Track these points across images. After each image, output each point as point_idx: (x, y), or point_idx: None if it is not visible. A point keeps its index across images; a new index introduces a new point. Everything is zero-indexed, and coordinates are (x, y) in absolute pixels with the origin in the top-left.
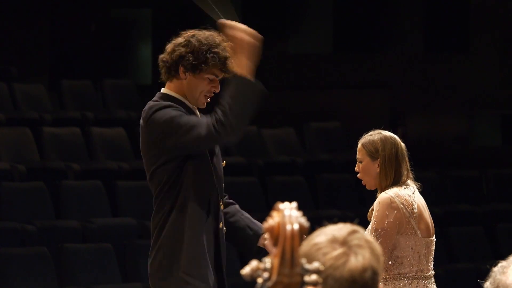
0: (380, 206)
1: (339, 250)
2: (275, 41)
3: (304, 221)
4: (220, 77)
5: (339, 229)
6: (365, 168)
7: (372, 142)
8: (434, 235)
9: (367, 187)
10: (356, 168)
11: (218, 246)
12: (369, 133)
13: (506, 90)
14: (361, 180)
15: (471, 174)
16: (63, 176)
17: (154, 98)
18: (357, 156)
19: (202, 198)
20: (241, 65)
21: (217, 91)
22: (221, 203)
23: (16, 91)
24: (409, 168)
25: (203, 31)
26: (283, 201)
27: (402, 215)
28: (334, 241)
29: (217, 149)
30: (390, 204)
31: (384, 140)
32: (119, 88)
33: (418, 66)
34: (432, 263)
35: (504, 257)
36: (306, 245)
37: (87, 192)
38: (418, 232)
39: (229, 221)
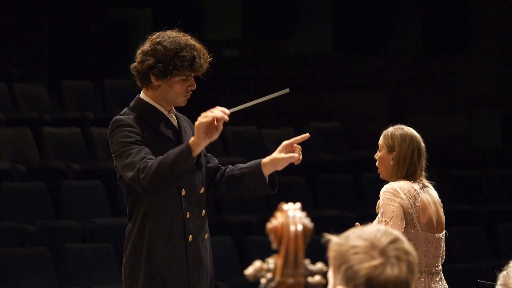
0: (383, 195)
1: (377, 261)
2: (275, 41)
3: (308, 222)
4: (192, 75)
5: (379, 235)
6: (381, 158)
7: (392, 136)
8: (442, 234)
9: (381, 176)
10: (375, 155)
11: (187, 263)
12: (395, 126)
13: (506, 90)
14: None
15: (471, 174)
16: (63, 176)
17: (131, 104)
18: (379, 142)
19: (162, 218)
20: (194, 139)
21: (193, 88)
22: (188, 216)
23: (16, 91)
24: (423, 167)
25: (168, 33)
26: (283, 201)
27: (404, 204)
28: (373, 248)
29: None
30: (393, 193)
31: (404, 137)
32: (119, 88)
33: (418, 66)
34: (440, 260)
35: (504, 257)
36: (342, 245)
37: (87, 192)
38: (418, 225)
39: (231, 187)
